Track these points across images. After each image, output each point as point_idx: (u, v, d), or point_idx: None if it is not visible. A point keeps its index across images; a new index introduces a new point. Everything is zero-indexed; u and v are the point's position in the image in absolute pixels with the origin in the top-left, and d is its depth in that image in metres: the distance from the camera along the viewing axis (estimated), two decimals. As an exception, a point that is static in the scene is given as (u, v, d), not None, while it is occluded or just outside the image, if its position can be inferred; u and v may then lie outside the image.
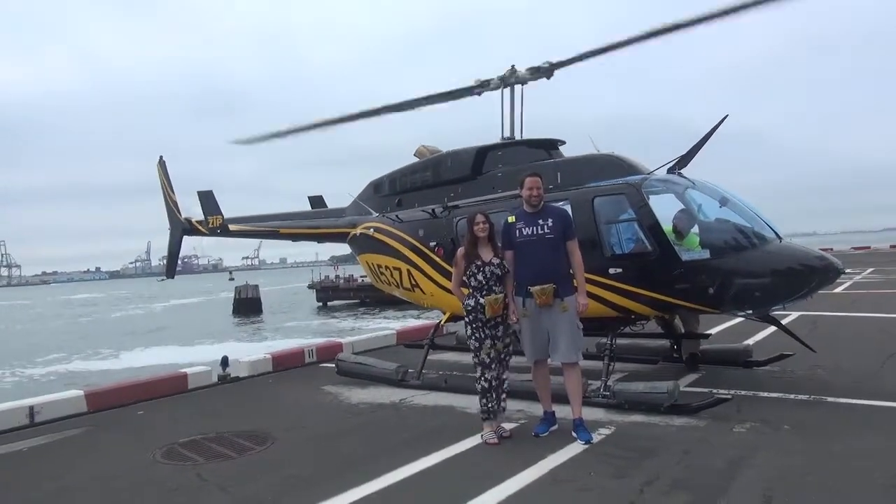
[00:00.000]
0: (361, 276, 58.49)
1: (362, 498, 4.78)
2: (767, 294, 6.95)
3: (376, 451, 5.92)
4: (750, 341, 10.23)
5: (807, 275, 6.86)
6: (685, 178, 7.66)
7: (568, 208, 6.99)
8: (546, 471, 5.12)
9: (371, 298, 53.17)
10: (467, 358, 10.29)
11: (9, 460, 6.39)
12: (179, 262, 14.80)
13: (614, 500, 4.50)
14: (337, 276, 59.98)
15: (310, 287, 60.26)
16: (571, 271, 6.07)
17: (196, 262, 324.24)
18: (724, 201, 7.46)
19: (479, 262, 5.94)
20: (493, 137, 9.35)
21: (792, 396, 7.02)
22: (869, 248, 54.74)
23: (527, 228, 6.09)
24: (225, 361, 10.09)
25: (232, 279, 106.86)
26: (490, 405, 6.02)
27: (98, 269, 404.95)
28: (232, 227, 11.65)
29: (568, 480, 4.89)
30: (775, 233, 7.18)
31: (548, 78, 8.85)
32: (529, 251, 6.06)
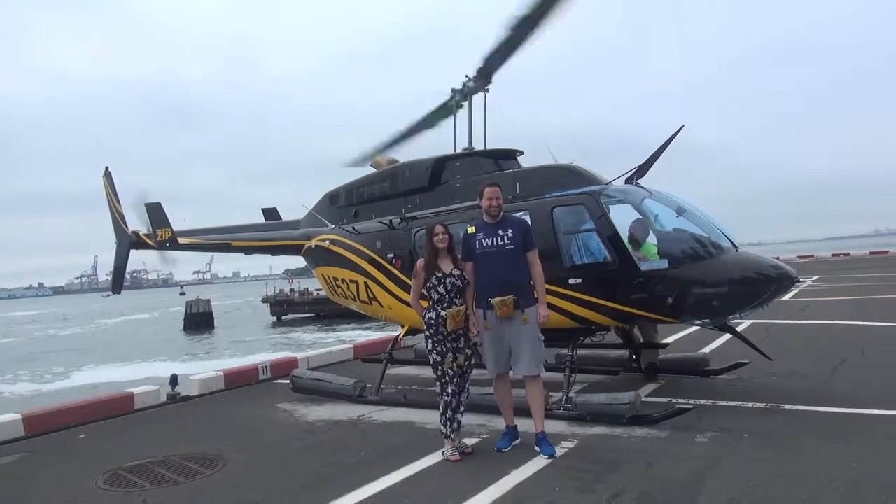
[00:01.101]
0: (317, 290, 57.71)
1: None
2: (725, 303, 7.00)
3: (334, 470, 5.69)
4: (706, 349, 10.36)
5: (763, 283, 6.92)
6: (643, 187, 7.69)
7: (527, 219, 6.91)
8: (509, 488, 4.98)
9: (326, 312, 52.48)
10: (426, 372, 10.12)
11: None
12: (128, 276, 14.26)
13: (580, 517, 4.39)
14: (292, 290, 59.01)
15: (264, 301, 59.12)
16: (532, 282, 5.99)
17: (145, 276, 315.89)
18: (680, 211, 7.50)
19: (439, 274, 5.80)
20: (448, 149, 9.27)
21: (750, 405, 7.06)
22: (812, 256, 56.66)
23: (487, 239, 5.98)
24: (174, 380, 9.69)
25: (183, 294, 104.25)
26: (451, 421, 5.86)
27: (41, 284, 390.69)
28: (181, 240, 11.25)
29: (533, 497, 4.76)
30: (731, 242, 7.24)
31: (487, 83, 8.82)
32: (490, 262, 5.94)
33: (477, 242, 5.99)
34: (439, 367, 5.83)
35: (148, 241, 12.19)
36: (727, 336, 11.11)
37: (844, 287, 22.56)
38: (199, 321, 53.77)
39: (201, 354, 32.58)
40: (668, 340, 10.02)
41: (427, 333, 5.84)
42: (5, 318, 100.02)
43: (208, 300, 57.70)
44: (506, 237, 5.94)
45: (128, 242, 12.45)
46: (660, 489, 4.77)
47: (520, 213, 6.98)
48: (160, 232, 11.20)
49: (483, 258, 5.97)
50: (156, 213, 11.22)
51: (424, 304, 6.03)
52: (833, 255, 54.52)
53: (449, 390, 5.85)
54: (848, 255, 53.24)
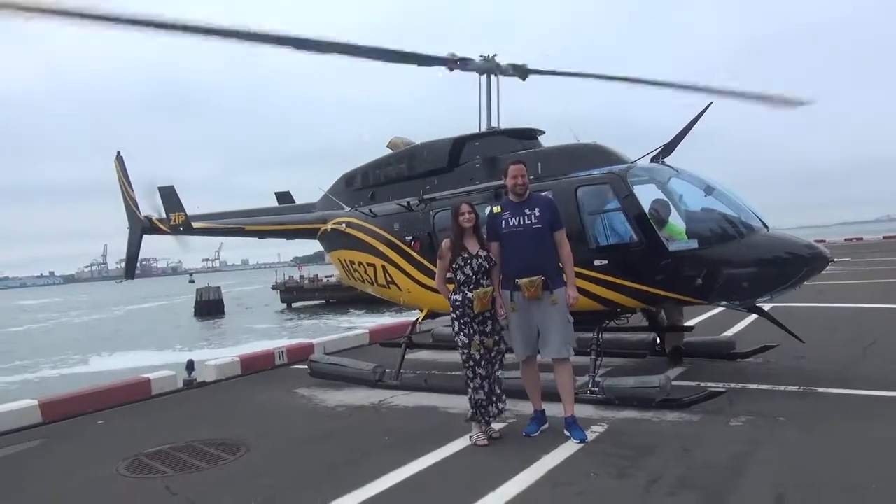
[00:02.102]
0: (326, 277, 57.81)
1: (371, 497, 4.49)
2: (756, 284, 6.79)
3: (360, 456, 5.56)
4: (728, 333, 10.18)
5: (796, 264, 6.71)
6: (670, 166, 7.47)
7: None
8: (543, 473, 4.83)
9: (336, 298, 52.51)
10: (444, 356, 10.09)
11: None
12: (137, 264, 14.12)
13: (620, 503, 4.24)
14: (301, 277, 59.01)
15: (274, 288, 59.20)
16: (560, 263, 5.81)
17: (155, 264, 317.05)
18: (709, 190, 7.27)
19: (465, 255, 5.63)
20: (460, 130, 9.05)
21: (781, 388, 6.88)
22: (825, 241, 56.06)
23: (513, 218, 5.80)
24: (191, 365, 9.60)
25: (192, 282, 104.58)
26: (480, 405, 5.71)
27: (52, 273, 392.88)
28: (195, 224, 11.11)
29: (568, 483, 4.61)
30: (762, 222, 7.03)
31: (523, 79, 8.66)
32: (516, 242, 5.77)
33: (503, 222, 5.81)
34: (465, 350, 5.66)
35: (161, 226, 12.06)
36: (748, 320, 11.01)
37: (861, 271, 22.24)
38: (209, 308, 53.94)
39: (214, 341, 32.63)
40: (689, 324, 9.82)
41: (453, 316, 5.68)
42: (17, 306, 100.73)
43: (218, 287, 57.84)
44: (533, 216, 5.76)
45: (140, 228, 12.32)
46: (699, 474, 4.62)
47: (543, 194, 6.79)
48: (174, 216, 11.07)
49: (509, 238, 5.79)
50: (169, 196, 11.08)
51: (450, 286, 5.87)
52: (846, 240, 53.95)
53: (476, 374, 5.68)
54: (861, 239, 52.68)
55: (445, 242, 5.75)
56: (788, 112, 9.42)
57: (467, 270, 5.60)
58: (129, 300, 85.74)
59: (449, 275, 5.85)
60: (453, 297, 5.67)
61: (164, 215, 11.83)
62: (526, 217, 5.77)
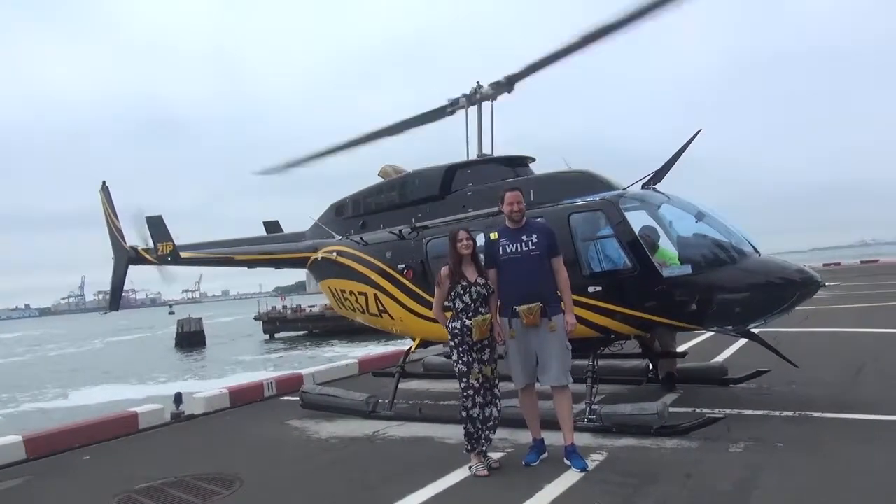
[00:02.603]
0: (309, 307, 57.34)
1: None
2: (750, 309, 6.84)
3: (359, 488, 5.47)
4: (718, 359, 10.21)
5: (788, 288, 6.78)
6: (661, 192, 7.56)
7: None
8: (547, 503, 4.77)
9: (319, 329, 52.02)
10: (436, 385, 10.00)
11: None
12: None
13: (627, 532, 4.19)
14: (284, 307, 58.47)
15: (256, 318, 58.55)
16: (558, 289, 5.82)
17: (134, 296, 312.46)
18: (700, 216, 7.36)
19: (464, 283, 5.61)
20: (457, 157, 9.13)
21: (777, 413, 6.89)
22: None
23: (510, 245, 5.81)
24: (179, 398, 9.41)
25: (172, 313, 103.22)
26: (477, 434, 5.65)
27: (27, 306, 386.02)
28: (183, 254, 10.99)
29: (573, 512, 4.56)
30: (753, 247, 7.11)
31: (509, 92, 8.74)
32: (514, 269, 5.78)
33: (500, 248, 5.83)
34: (464, 379, 5.61)
35: (147, 256, 11.91)
36: (736, 345, 11.08)
37: (844, 295, 22.50)
38: (190, 340, 53.12)
39: (198, 373, 32.08)
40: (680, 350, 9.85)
41: (452, 344, 5.64)
42: (5, 339, 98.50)
43: (200, 319, 57.05)
44: (530, 242, 5.77)
45: (126, 258, 12.15)
46: (704, 500, 4.60)
47: (539, 220, 6.81)
48: (161, 246, 10.95)
49: (507, 265, 5.80)
50: (157, 226, 10.97)
51: (446, 313, 5.84)
52: (825, 265, 54.68)
53: (475, 402, 5.63)
54: (839, 264, 53.41)
55: (444, 270, 5.73)
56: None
57: (466, 298, 5.58)
58: (108, 332, 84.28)
59: (446, 303, 5.82)
60: (452, 324, 5.64)
61: (150, 245, 11.71)
62: (523, 244, 5.78)
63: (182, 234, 11.45)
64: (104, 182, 13.07)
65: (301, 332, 53.72)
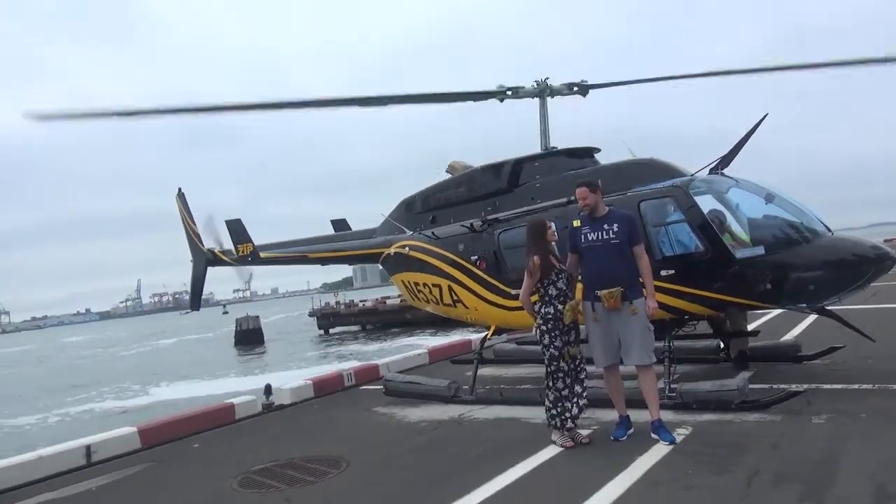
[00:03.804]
0: (361, 301, 58.41)
1: (484, 500, 4.83)
2: (825, 286, 6.99)
3: (459, 464, 5.88)
4: (790, 336, 10.30)
5: (862, 265, 6.91)
6: (729, 177, 7.73)
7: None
8: (641, 473, 5.09)
9: (373, 323, 53.03)
10: (508, 371, 10.37)
11: (85, 499, 6.27)
12: (170, 297, 14.66)
13: (725, 496, 4.49)
14: (338, 303, 59.67)
15: (311, 315, 59.87)
16: (640, 275, 6.12)
17: (187, 297, 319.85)
18: (769, 198, 7.52)
19: (557, 270, 5.98)
20: (498, 152, 9.47)
21: (855, 386, 7.04)
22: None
23: (592, 233, 6.15)
24: (268, 389, 9.99)
25: (226, 313, 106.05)
26: (565, 413, 6.00)
27: (88, 310, 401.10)
28: (263, 254, 11.58)
29: (668, 481, 4.87)
30: (825, 226, 7.24)
31: (583, 95, 9.05)
32: (595, 256, 6.12)
33: (582, 236, 6.17)
34: (555, 361, 5.97)
35: (223, 257, 12.58)
36: (807, 322, 11.12)
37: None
38: (249, 337, 54.66)
39: (264, 368, 33.21)
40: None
41: (544, 328, 5.99)
42: (63, 343, 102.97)
43: (257, 317, 58.62)
44: (611, 231, 6.09)
45: (205, 260, 12.85)
46: (795, 468, 4.84)
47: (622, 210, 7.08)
48: (242, 247, 11.55)
49: (588, 252, 6.15)
50: (237, 229, 11.58)
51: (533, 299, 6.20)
52: (886, 241, 52.92)
53: (561, 385, 5.99)
54: (896, 240, 51.69)
55: (535, 259, 6.05)
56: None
57: (560, 284, 5.95)
58: (170, 332, 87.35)
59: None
60: (545, 310, 5.99)
61: (225, 247, 12.40)
62: (604, 232, 6.11)
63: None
64: (180, 189, 13.79)
65: (355, 327, 54.76)
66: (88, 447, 7.59)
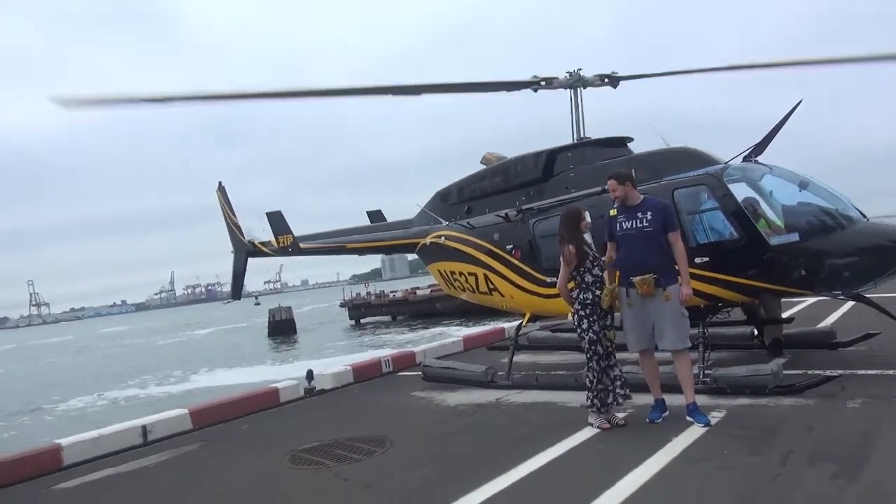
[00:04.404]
0: (392, 292, 58.93)
1: (515, 482, 5.05)
2: (860, 272, 7.05)
3: (501, 444, 6.12)
4: (825, 323, 10.31)
5: None
6: (762, 164, 7.81)
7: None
8: (678, 452, 5.27)
9: (403, 313, 53.54)
10: (543, 358, 10.58)
11: (146, 474, 6.65)
12: (203, 289, 15.12)
13: (760, 475, 4.65)
14: (368, 293, 60.30)
15: (342, 305, 60.60)
16: (675, 262, 6.27)
17: (219, 288, 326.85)
18: (804, 185, 7.58)
19: (592, 257, 6.18)
20: (523, 142, 9.61)
21: (891, 372, 7.11)
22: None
23: (626, 222, 6.33)
24: (310, 375, 10.33)
25: (258, 304, 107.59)
26: (604, 394, 6.21)
27: (124, 301, 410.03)
28: (303, 244, 11.91)
29: (705, 459, 5.05)
30: (860, 212, 7.29)
31: (614, 87, 9.17)
32: (629, 243, 6.31)
33: (618, 225, 6.35)
34: (593, 346, 6.17)
35: (263, 248, 12.97)
36: (843, 310, 11.11)
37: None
38: (282, 328, 55.58)
39: (299, 357, 33.92)
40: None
41: (582, 314, 6.18)
42: (101, 334, 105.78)
43: (289, 307, 59.51)
44: (644, 220, 6.25)
45: (245, 252, 13.25)
46: (830, 449, 4.98)
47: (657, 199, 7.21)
48: (282, 238, 11.90)
49: (623, 240, 6.34)
50: (277, 220, 11.92)
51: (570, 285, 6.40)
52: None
53: (600, 366, 6.19)
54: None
55: (571, 248, 6.24)
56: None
57: (596, 272, 6.16)
58: (205, 322, 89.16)
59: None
60: (583, 296, 6.19)
61: (262, 239, 12.81)
62: (638, 220, 6.27)
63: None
64: (220, 182, 14.20)
65: (385, 317, 55.32)
66: (144, 427, 7.99)
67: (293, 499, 5.40)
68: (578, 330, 6.29)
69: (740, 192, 7.53)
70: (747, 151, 7.94)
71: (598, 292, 6.11)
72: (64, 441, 7.51)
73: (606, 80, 9.15)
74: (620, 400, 6.25)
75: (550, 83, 9.41)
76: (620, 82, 9.17)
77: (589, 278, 6.17)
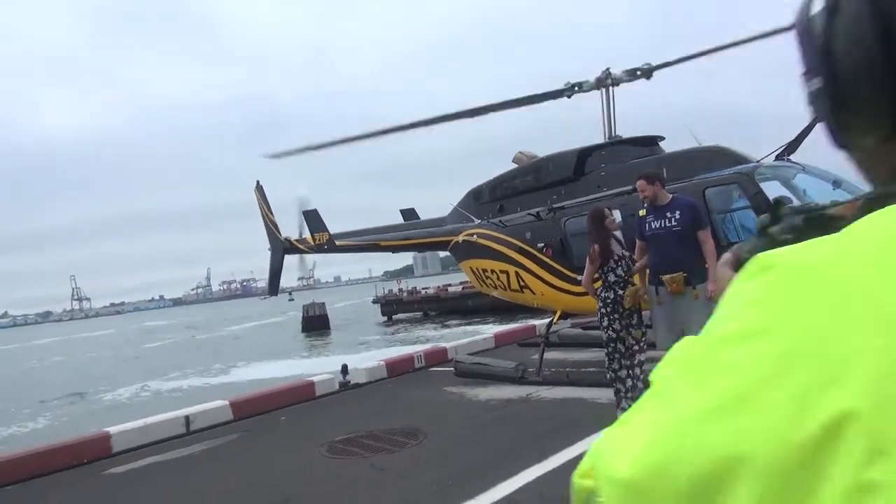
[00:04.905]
0: (424, 289, 59.27)
1: (543, 474, 5.20)
2: None
3: (529, 440, 6.26)
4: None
5: None
6: (795, 163, 7.81)
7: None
8: (705, 448, 5.36)
9: (435, 310, 53.80)
10: (572, 355, 10.69)
11: (191, 461, 7.00)
12: (238, 285, 15.54)
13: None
14: (400, 290, 60.73)
15: (374, 301, 61.11)
16: (705, 261, 6.35)
17: (254, 284, 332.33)
18: (837, 183, 7.57)
19: (616, 257, 6.29)
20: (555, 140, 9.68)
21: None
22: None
23: (655, 221, 6.42)
24: (345, 369, 10.63)
25: (292, 300, 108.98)
26: (624, 393, 6.32)
27: (162, 297, 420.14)
28: (338, 242, 12.24)
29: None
30: (895, 211, 7.25)
31: (647, 79, 9.18)
32: (658, 243, 6.40)
33: (647, 225, 6.45)
34: (612, 343, 6.28)
35: (299, 245, 13.33)
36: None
37: None
38: (316, 323, 56.22)
39: (334, 351, 34.36)
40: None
41: (603, 311, 6.31)
42: (142, 328, 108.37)
43: (323, 303, 60.11)
44: (673, 219, 6.34)
45: (282, 249, 13.65)
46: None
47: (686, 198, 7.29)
48: (318, 236, 12.24)
49: (652, 239, 6.44)
50: (313, 218, 12.27)
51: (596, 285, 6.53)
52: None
53: (620, 365, 6.30)
54: None
55: (595, 247, 6.38)
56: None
57: (619, 271, 6.26)
58: (242, 318, 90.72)
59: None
60: (604, 294, 6.32)
61: (299, 236, 13.16)
62: (667, 220, 6.37)
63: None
64: (258, 182, 14.64)
65: (417, 314, 55.65)
66: (187, 417, 8.36)
67: (330, 487, 5.63)
68: (601, 327, 6.42)
69: (772, 190, 7.55)
70: (780, 150, 7.96)
71: (620, 291, 6.22)
72: (112, 429, 7.90)
73: (639, 72, 9.17)
74: (626, 405, 6.33)
75: (582, 87, 9.52)
76: (654, 72, 9.14)
77: (612, 277, 6.29)
